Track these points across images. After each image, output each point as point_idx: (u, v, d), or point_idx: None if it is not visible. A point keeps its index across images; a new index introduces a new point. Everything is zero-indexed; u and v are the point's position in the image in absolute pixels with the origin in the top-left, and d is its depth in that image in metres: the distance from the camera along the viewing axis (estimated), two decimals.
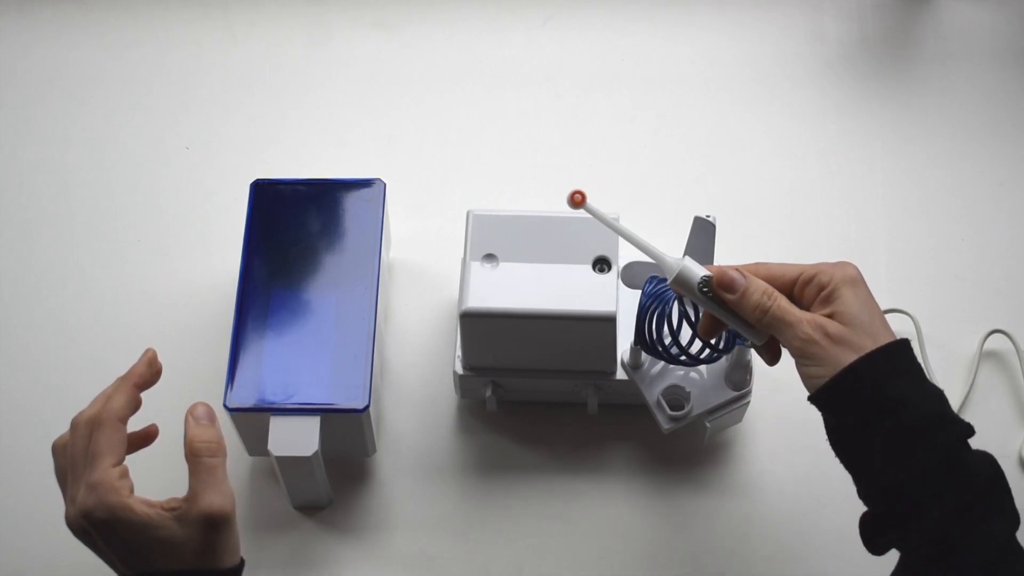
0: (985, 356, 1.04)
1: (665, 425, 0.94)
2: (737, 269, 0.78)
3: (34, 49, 1.21)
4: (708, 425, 0.95)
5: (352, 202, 0.98)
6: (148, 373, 0.81)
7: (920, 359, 1.01)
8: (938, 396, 0.75)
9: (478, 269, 0.91)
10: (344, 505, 0.99)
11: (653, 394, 0.95)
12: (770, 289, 0.77)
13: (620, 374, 0.96)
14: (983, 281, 1.08)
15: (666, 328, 0.91)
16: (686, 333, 0.90)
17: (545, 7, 1.23)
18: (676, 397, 0.95)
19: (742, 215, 1.10)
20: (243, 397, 0.90)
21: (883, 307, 1.03)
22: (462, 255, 0.94)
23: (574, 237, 0.92)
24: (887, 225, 1.11)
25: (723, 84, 1.19)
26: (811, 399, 0.76)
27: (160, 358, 1.05)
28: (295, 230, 0.97)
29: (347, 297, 0.94)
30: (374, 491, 0.99)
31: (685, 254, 0.94)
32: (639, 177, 1.14)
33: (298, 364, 0.91)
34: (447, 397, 1.02)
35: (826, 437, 0.77)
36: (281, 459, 0.89)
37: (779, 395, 0.99)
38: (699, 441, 0.99)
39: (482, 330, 0.92)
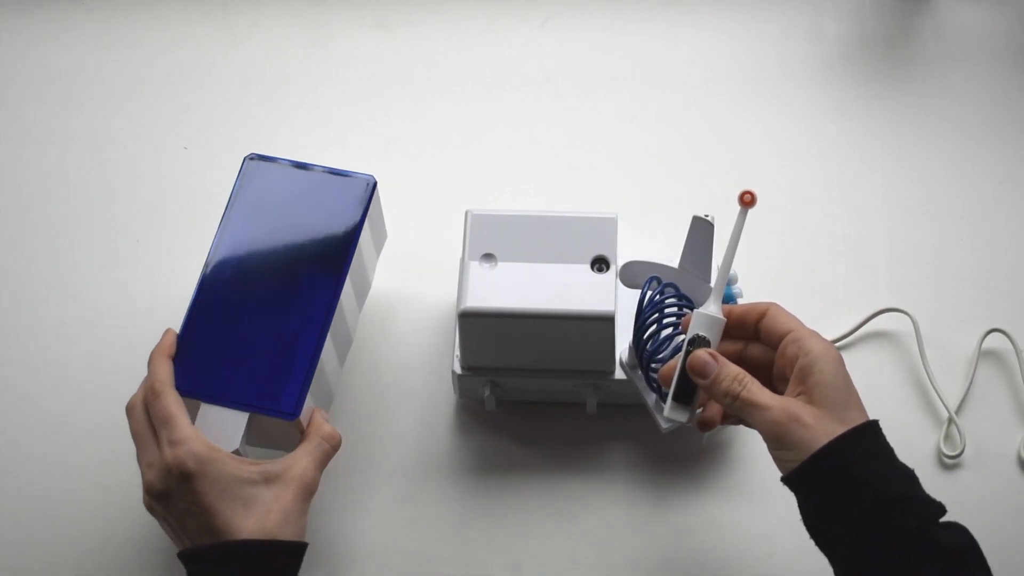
0: (984, 355, 1.04)
1: (663, 425, 0.94)
2: (711, 354, 0.79)
3: (33, 49, 1.21)
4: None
5: (338, 194, 0.94)
6: (170, 342, 0.86)
7: (919, 359, 1.02)
8: (907, 476, 0.76)
9: (477, 269, 0.91)
10: (343, 504, 0.99)
11: (651, 394, 0.95)
12: (741, 374, 0.78)
13: (619, 374, 0.96)
14: (982, 280, 1.08)
15: (654, 340, 0.91)
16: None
17: (544, 7, 1.23)
18: None
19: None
20: (179, 377, 0.87)
21: (882, 307, 1.04)
22: (461, 255, 0.94)
23: (573, 237, 0.92)
24: (886, 224, 1.11)
25: (723, 84, 1.19)
26: (783, 481, 0.77)
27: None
28: (275, 212, 0.94)
29: (306, 292, 0.90)
30: (373, 490, 0.99)
31: (683, 254, 0.94)
32: (638, 177, 1.14)
33: (239, 355, 0.88)
34: (446, 397, 1.02)
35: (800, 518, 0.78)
36: None
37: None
38: (697, 441, 0.99)
39: (481, 330, 0.92)
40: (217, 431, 0.85)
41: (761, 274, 1.05)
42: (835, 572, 0.76)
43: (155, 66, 1.20)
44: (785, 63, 1.20)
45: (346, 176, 0.95)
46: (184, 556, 0.79)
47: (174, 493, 0.78)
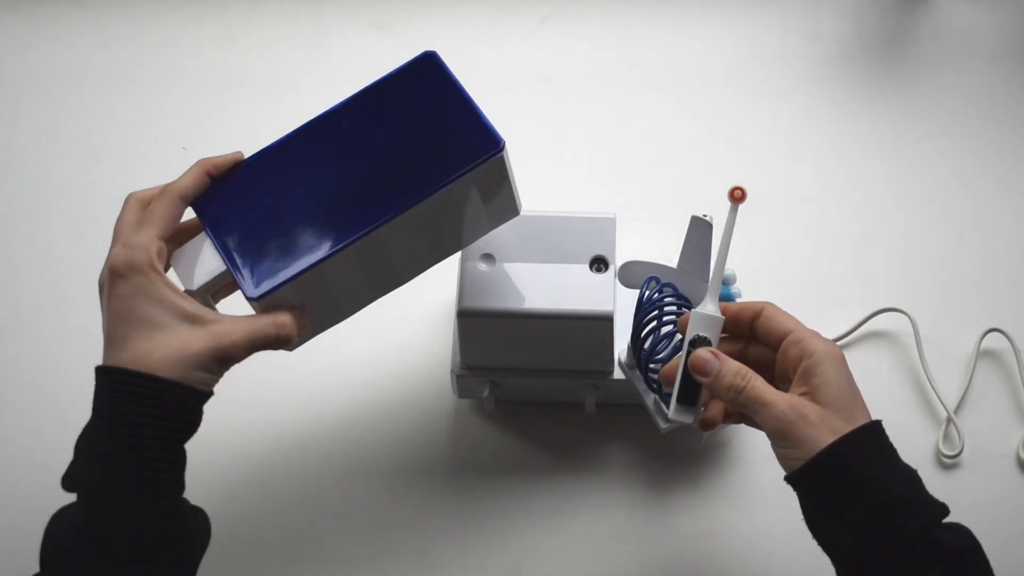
0: (983, 355, 1.04)
1: (662, 425, 0.94)
2: (714, 352, 0.79)
3: (31, 48, 1.21)
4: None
5: (457, 138, 0.81)
6: (224, 163, 0.82)
7: (918, 359, 1.02)
8: (910, 477, 0.75)
9: (475, 269, 0.91)
10: (343, 504, 0.99)
11: (650, 394, 0.95)
12: (743, 369, 0.78)
13: (617, 374, 0.96)
14: (981, 280, 1.08)
15: (658, 338, 0.91)
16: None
17: (542, 6, 1.23)
18: None
19: (740, 215, 1.09)
20: (204, 196, 0.82)
21: (881, 306, 1.04)
22: (459, 254, 0.94)
23: (571, 237, 0.92)
24: (885, 224, 1.11)
25: (721, 83, 1.19)
26: (787, 479, 0.77)
27: None
28: (394, 118, 0.83)
29: (358, 206, 0.80)
30: (373, 490, 0.99)
31: (682, 255, 0.94)
32: (636, 176, 1.14)
33: (263, 216, 0.81)
34: (445, 397, 1.02)
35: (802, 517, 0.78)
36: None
37: None
38: (696, 440, 0.99)
39: (479, 330, 0.92)
40: (190, 262, 0.81)
41: (759, 274, 1.05)
42: (837, 571, 0.76)
43: (153, 66, 1.20)
44: (783, 63, 1.20)
45: (477, 128, 0.81)
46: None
47: (104, 289, 0.76)
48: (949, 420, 1.00)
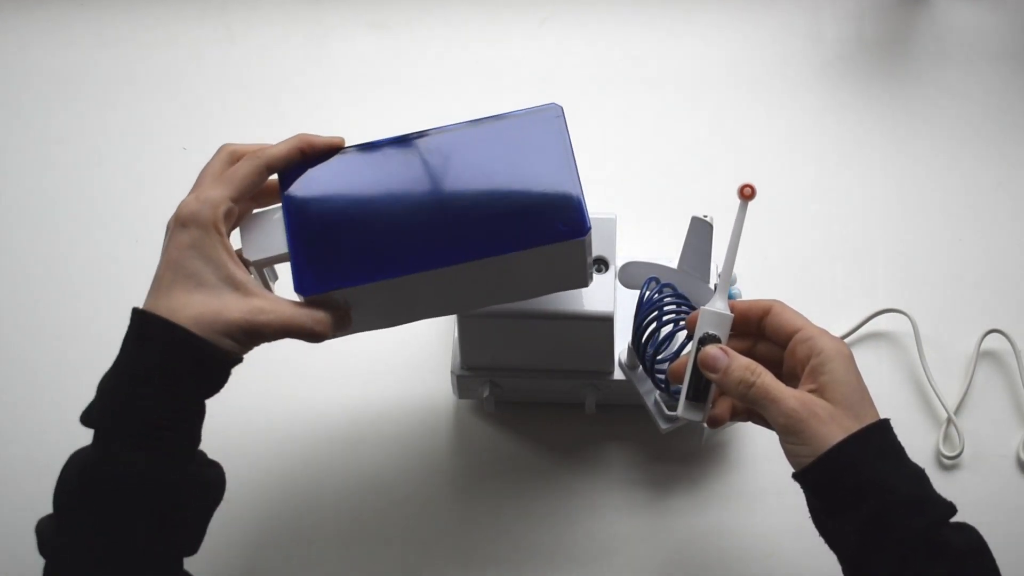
0: (983, 356, 1.04)
1: (662, 425, 0.94)
2: (723, 349, 0.79)
3: (32, 49, 1.21)
4: (706, 426, 0.95)
5: (540, 211, 0.79)
6: (321, 145, 0.82)
7: (918, 359, 1.02)
8: (918, 476, 0.75)
9: None
10: (343, 505, 0.99)
11: (650, 394, 0.95)
12: (753, 365, 0.78)
13: (617, 374, 0.96)
14: (981, 281, 1.08)
15: (659, 338, 0.91)
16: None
17: (542, 7, 1.23)
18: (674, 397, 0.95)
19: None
20: (299, 171, 0.81)
21: (881, 307, 1.04)
22: None
23: None
24: (885, 225, 1.11)
25: (721, 84, 1.19)
26: (795, 477, 0.76)
27: None
28: (505, 160, 0.81)
29: (435, 234, 0.78)
30: (373, 490, 0.99)
31: (682, 255, 0.94)
32: (636, 177, 1.14)
33: (346, 212, 0.80)
34: (446, 397, 1.02)
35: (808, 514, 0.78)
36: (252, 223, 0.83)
37: None
38: (696, 441, 0.99)
39: (480, 330, 0.92)
40: (256, 233, 0.81)
41: (760, 274, 1.05)
42: (843, 570, 0.76)
43: (154, 66, 1.20)
44: (783, 64, 1.20)
45: (572, 207, 0.79)
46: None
47: (167, 231, 0.77)
48: (949, 421, 1.00)
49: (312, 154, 0.82)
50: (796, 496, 0.98)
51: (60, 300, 1.08)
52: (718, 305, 0.80)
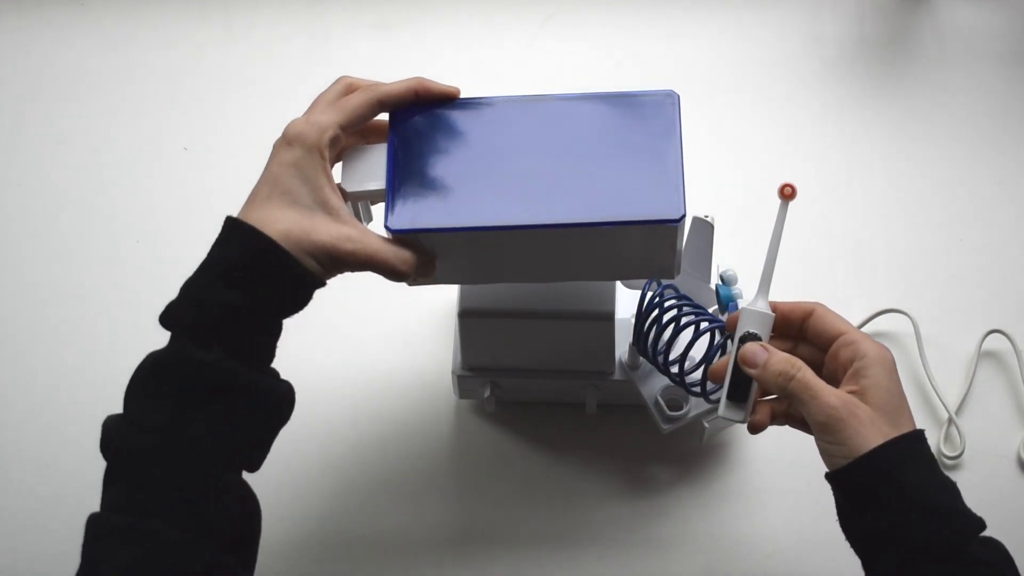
0: (984, 356, 1.04)
1: (663, 426, 0.94)
2: (763, 346, 0.78)
3: (32, 49, 1.21)
4: (706, 426, 0.95)
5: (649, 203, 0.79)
6: (437, 91, 0.83)
7: (919, 360, 1.02)
8: (950, 489, 0.75)
9: None
10: (344, 505, 0.99)
11: (651, 395, 0.95)
12: (793, 359, 0.77)
13: (618, 374, 0.96)
14: (982, 281, 1.08)
15: (664, 337, 0.91)
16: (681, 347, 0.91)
17: (544, 7, 1.23)
18: (674, 398, 0.95)
19: (741, 215, 1.10)
20: (410, 115, 0.83)
21: (882, 307, 1.04)
22: None
23: None
24: (886, 225, 1.11)
25: (722, 84, 1.19)
26: (828, 477, 0.76)
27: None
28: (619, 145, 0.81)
29: (550, 195, 0.78)
30: (374, 490, 0.99)
31: (683, 255, 0.94)
32: None
33: (455, 160, 0.80)
34: (446, 397, 1.02)
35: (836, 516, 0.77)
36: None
37: None
38: (697, 442, 0.99)
39: (481, 330, 0.92)
40: (357, 166, 0.82)
41: (760, 275, 1.05)
42: (866, 573, 0.76)
43: (154, 66, 1.20)
44: (784, 64, 1.20)
45: (671, 189, 0.79)
46: None
47: (274, 147, 0.78)
48: (950, 421, 1.00)
49: (426, 97, 0.83)
50: (796, 497, 0.98)
51: (61, 299, 1.08)
52: (759, 304, 0.80)
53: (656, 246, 0.80)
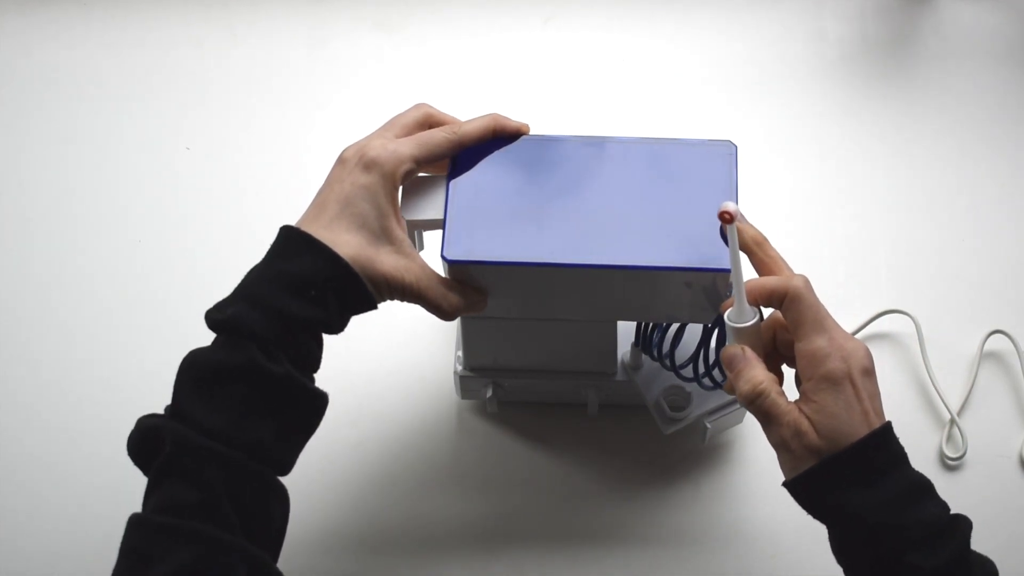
0: (986, 356, 1.04)
1: (665, 426, 0.94)
2: (742, 351, 0.77)
3: (34, 49, 1.21)
4: (708, 426, 0.95)
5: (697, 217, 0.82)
6: (511, 129, 0.84)
7: (921, 360, 1.02)
8: (888, 503, 0.73)
9: None
10: (345, 505, 0.99)
11: (653, 395, 0.95)
12: (760, 384, 0.75)
13: (620, 375, 0.96)
14: (984, 281, 1.08)
15: (669, 336, 0.91)
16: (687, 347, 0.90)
17: (545, 7, 1.23)
18: (676, 398, 0.95)
19: (745, 213, 1.09)
20: (477, 148, 0.84)
21: (884, 308, 1.04)
22: None
23: None
24: (888, 225, 1.11)
25: (724, 84, 1.19)
26: (784, 485, 0.76)
27: (155, 359, 1.05)
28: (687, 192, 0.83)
29: (603, 240, 0.80)
30: (375, 490, 0.99)
31: None
32: None
33: (520, 202, 0.81)
34: (448, 398, 1.02)
35: None
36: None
37: None
38: (699, 442, 0.99)
39: (483, 330, 0.92)
40: (418, 194, 0.83)
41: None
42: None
43: (157, 66, 1.20)
44: (786, 64, 1.20)
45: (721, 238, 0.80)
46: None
47: (346, 164, 0.79)
48: (952, 422, 1.00)
49: (501, 136, 0.84)
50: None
51: (62, 299, 1.08)
52: (736, 315, 0.77)
53: (701, 292, 0.82)
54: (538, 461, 1.00)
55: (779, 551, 0.96)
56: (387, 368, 1.04)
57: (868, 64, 1.19)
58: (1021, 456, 1.00)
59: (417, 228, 0.84)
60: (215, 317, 0.75)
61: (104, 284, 1.09)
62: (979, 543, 0.75)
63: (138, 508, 0.73)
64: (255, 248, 0.80)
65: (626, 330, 0.94)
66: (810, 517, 0.76)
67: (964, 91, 1.18)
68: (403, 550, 0.97)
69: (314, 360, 0.78)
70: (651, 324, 0.91)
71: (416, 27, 1.22)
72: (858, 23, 1.22)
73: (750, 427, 1.00)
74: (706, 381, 0.92)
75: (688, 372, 0.91)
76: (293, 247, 0.77)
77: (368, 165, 0.78)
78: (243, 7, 1.23)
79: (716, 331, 0.89)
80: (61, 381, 1.04)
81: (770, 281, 0.77)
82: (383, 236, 0.78)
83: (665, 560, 0.96)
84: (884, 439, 0.74)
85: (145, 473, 0.74)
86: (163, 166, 1.15)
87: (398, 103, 1.17)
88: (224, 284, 1.06)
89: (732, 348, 0.78)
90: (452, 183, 0.82)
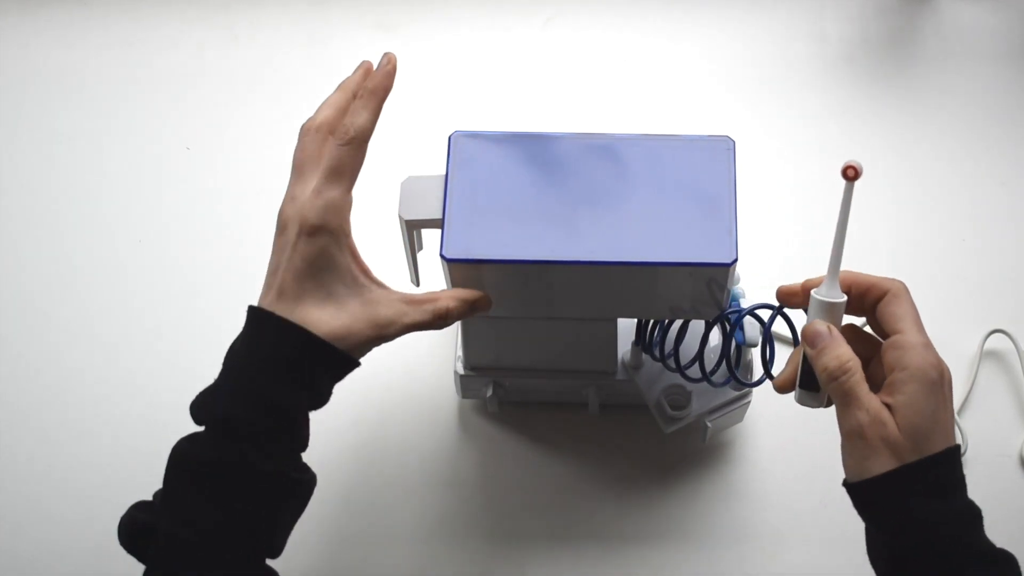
0: (986, 356, 1.04)
1: (666, 425, 0.94)
2: (828, 328, 0.76)
3: (35, 49, 1.22)
4: (709, 425, 0.95)
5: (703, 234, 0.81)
6: (390, 83, 0.80)
7: None
8: (960, 518, 0.73)
9: None
10: (345, 504, 0.99)
11: (654, 394, 0.95)
12: (847, 362, 0.74)
13: (620, 374, 0.96)
14: (984, 281, 1.08)
15: (670, 335, 0.91)
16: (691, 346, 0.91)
17: (546, 7, 1.23)
18: (677, 397, 0.95)
19: (743, 215, 1.09)
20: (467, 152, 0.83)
21: None
22: None
23: None
24: (888, 225, 1.11)
25: (725, 85, 1.19)
26: (844, 485, 0.75)
27: (156, 359, 1.05)
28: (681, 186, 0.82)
29: (585, 229, 0.80)
30: (376, 490, 0.99)
31: None
32: None
33: (510, 198, 0.81)
34: (448, 397, 1.02)
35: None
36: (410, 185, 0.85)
37: (780, 395, 0.99)
38: (700, 441, 0.99)
39: (483, 330, 0.92)
40: (416, 194, 0.82)
41: (763, 275, 1.05)
42: None
43: (157, 66, 1.20)
44: (787, 64, 1.20)
45: (723, 234, 0.81)
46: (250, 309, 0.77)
47: (287, 233, 0.75)
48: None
49: (386, 95, 0.80)
50: (799, 497, 0.98)
51: (62, 299, 1.08)
52: (827, 292, 0.77)
53: (707, 288, 0.82)
54: (538, 460, 1.00)
55: (780, 550, 0.96)
56: (388, 368, 1.04)
57: (868, 64, 1.20)
58: (1021, 455, 1.00)
59: (416, 228, 0.84)
60: (206, 416, 0.74)
61: (104, 284, 1.09)
62: None
63: None
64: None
65: (627, 330, 0.94)
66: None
67: (964, 91, 1.18)
68: (403, 549, 0.97)
69: (303, 441, 0.77)
70: (652, 323, 0.91)
71: (416, 27, 1.22)
72: (859, 23, 1.22)
73: (750, 427, 1.00)
74: (716, 377, 0.91)
75: (695, 372, 0.91)
76: (272, 331, 0.74)
77: (312, 232, 0.74)
78: (243, 7, 1.23)
79: (717, 327, 0.89)
80: (60, 381, 1.04)
81: (872, 276, 0.78)
82: (350, 296, 0.76)
83: (665, 560, 0.96)
84: (957, 457, 0.74)
85: (139, 560, 0.74)
86: (163, 166, 1.15)
87: (398, 103, 1.18)
88: (224, 284, 1.07)
89: (818, 324, 0.76)
90: (450, 182, 0.82)
